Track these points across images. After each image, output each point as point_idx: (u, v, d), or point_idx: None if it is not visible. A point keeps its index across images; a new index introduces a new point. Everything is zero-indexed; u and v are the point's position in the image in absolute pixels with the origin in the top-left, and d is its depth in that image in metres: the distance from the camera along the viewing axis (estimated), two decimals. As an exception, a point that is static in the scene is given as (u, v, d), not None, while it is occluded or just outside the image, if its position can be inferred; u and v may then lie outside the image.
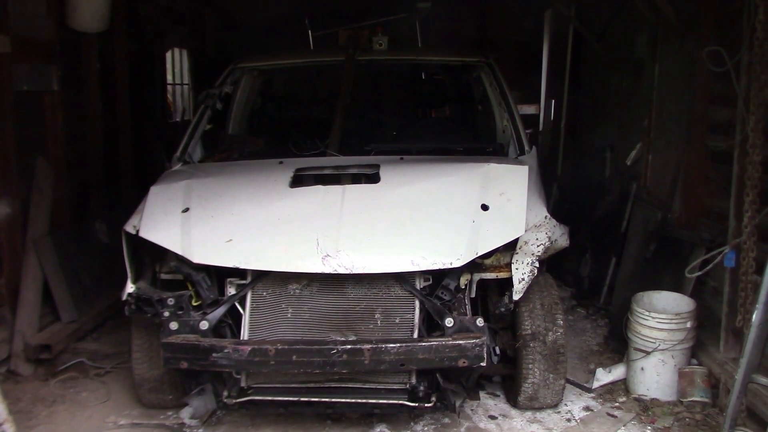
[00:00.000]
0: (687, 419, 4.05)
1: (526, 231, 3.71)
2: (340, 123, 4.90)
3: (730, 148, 4.17)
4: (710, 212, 4.82)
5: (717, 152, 4.68)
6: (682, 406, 4.18)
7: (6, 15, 4.79)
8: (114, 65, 6.99)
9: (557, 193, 7.42)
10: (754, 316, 3.07)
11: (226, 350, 3.43)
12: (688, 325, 4.25)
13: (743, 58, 3.94)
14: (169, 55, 9.65)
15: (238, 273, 3.66)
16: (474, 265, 3.64)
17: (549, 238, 3.83)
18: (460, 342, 3.44)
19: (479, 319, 3.55)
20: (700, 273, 4.29)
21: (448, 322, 3.51)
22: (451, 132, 5.56)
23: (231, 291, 3.68)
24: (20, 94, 5.07)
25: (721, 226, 4.37)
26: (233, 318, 3.66)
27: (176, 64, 10.27)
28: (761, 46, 3.63)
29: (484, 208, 3.77)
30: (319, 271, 3.46)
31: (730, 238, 4.07)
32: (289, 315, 3.61)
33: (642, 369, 4.33)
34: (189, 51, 10.40)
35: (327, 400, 3.64)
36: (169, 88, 9.94)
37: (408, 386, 3.63)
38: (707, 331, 4.44)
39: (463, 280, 3.66)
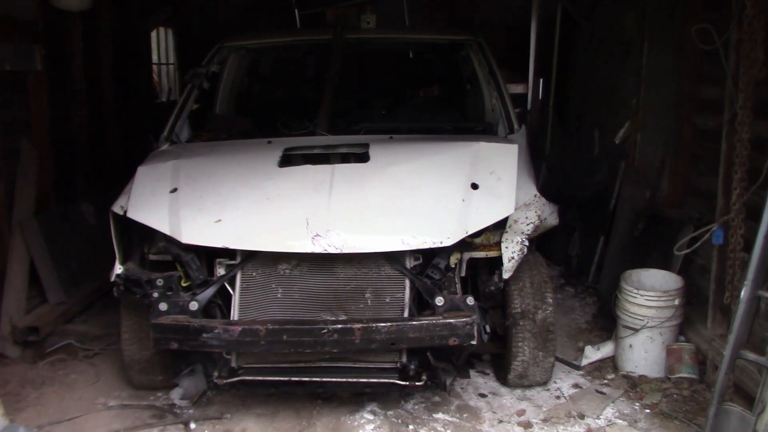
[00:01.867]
0: (675, 395, 4.09)
1: (515, 210, 3.72)
2: (328, 102, 4.86)
3: (719, 126, 4.18)
4: (698, 190, 4.84)
5: (705, 131, 4.69)
6: (670, 382, 4.22)
7: (-13, -7, 4.73)
8: (98, 45, 6.90)
9: (546, 172, 7.42)
10: (742, 293, 3.09)
11: (216, 330, 3.42)
12: (676, 302, 4.28)
13: (732, 36, 3.94)
14: (154, 34, 9.54)
15: (228, 253, 3.64)
16: (464, 244, 3.64)
17: (538, 216, 3.84)
18: (451, 321, 3.45)
19: (469, 297, 3.56)
20: (688, 251, 4.33)
21: (439, 301, 3.51)
22: (441, 111, 5.54)
23: (220, 271, 3.66)
24: (3, 75, 5.00)
25: (708, 204, 4.39)
26: (223, 298, 3.65)
27: (162, 44, 10.15)
28: (750, 24, 3.63)
29: (474, 187, 3.77)
30: (309, 251, 3.45)
31: (718, 215, 4.10)
32: (279, 295, 3.61)
33: (630, 346, 4.37)
34: (174, 30, 10.28)
35: (318, 379, 3.65)
36: (155, 67, 9.84)
37: (399, 365, 3.64)
38: (695, 309, 4.48)
39: (453, 259, 3.67)
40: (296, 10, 5.99)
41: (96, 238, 5.45)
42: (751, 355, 3.14)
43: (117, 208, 3.83)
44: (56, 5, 5.72)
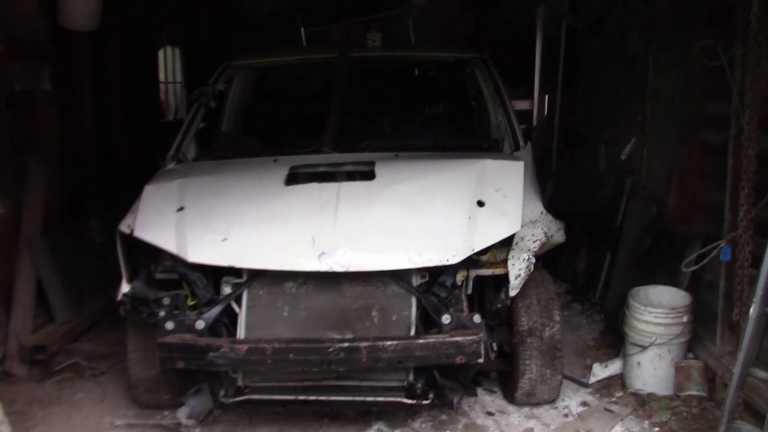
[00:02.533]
0: (684, 413, 4.06)
1: (522, 227, 3.71)
2: (334, 120, 4.88)
3: (725, 141, 4.17)
4: (705, 206, 4.82)
5: (712, 146, 4.68)
6: (679, 400, 4.19)
7: (-3, 14, 4.77)
8: (106, 64, 6.95)
9: (552, 189, 7.42)
10: (751, 310, 3.07)
11: (222, 349, 3.41)
12: (685, 319, 4.26)
13: (737, 51, 3.94)
14: (161, 53, 9.61)
15: (234, 272, 3.64)
16: (470, 262, 3.63)
17: (545, 233, 3.83)
18: (458, 339, 3.43)
19: (476, 315, 3.54)
20: (695, 267, 4.30)
21: (445, 318, 3.50)
22: (446, 128, 5.54)
23: (227, 290, 3.66)
24: (12, 94, 5.04)
25: (716, 220, 4.37)
26: (229, 317, 3.64)
27: (169, 62, 10.22)
28: (755, 40, 3.63)
29: (480, 204, 3.77)
30: (315, 269, 3.45)
31: (726, 231, 4.08)
32: (285, 313, 3.60)
33: (639, 363, 4.34)
34: (181, 49, 10.35)
35: (324, 398, 3.63)
36: (162, 86, 9.89)
37: (405, 383, 3.62)
38: (703, 325, 4.45)
39: (460, 277, 3.65)
40: (302, 29, 6.02)
41: (103, 257, 5.46)
42: (761, 373, 3.11)
43: (124, 227, 3.84)
44: (65, 25, 5.77)
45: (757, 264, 3.28)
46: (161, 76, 9.75)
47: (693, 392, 4.17)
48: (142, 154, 7.27)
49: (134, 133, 7.53)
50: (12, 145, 4.91)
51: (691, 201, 5.00)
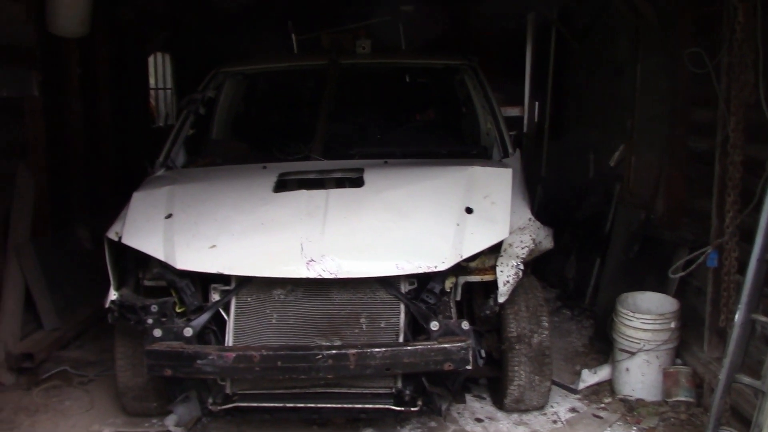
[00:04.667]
0: (672, 419, 4.07)
1: (510, 234, 3.72)
2: (323, 127, 4.88)
3: (712, 148, 4.20)
4: (693, 212, 4.86)
5: (699, 153, 4.71)
6: (667, 406, 4.20)
7: (-15, 21, 4.76)
8: (95, 70, 6.94)
9: (541, 195, 7.45)
10: (737, 316, 3.09)
11: (210, 357, 3.40)
12: (672, 325, 4.28)
13: (723, 59, 3.97)
14: (151, 59, 9.59)
15: (222, 279, 3.63)
16: (459, 268, 3.64)
17: (533, 240, 3.84)
18: (446, 345, 3.43)
19: (465, 322, 3.54)
20: (683, 273, 4.32)
21: (434, 325, 3.50)
22: (435, 135, 5.55)
23: (215, 297, 3.65)
24: (0, 100, 5.01)
25: (703, 226, 4.40)
26: (218, 324, 3.63)
27: (159, 69, 10.21)
28: (740, 48, 3.66)
29: (469, 211, 3.78)
30: (304, 276, 3.44)
31: (713, 238, 4.10)
32: (273, 321, 3.59)
33: (627, 369, 4.35)
34: (171, 55, 10.34)
35: (313, 405, 3.62)
36: (152, 92, 9.88)
37: (394, 390, 3.61)
38: (691, 331, 4.47)
39: (448, 284, 3.66)
40: (293, 35, 6.02)
41: (91, 263, 5.44)
42: (747, 379, 3.13)
43: (112, 234, 3.83)
44: (54, 32, 5.75)
45: (743, 270, 3.30)
46: (151, 82, 9.73)
47: (681, 398, 4.19)
48: (132, 160, 7.26)
49: (123, 140, 7.52)
50: (0, 151, 4.89)
51: (678, 207, 5.04)
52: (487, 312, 3.77)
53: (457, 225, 3.68)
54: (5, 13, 5.17)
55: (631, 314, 4.31)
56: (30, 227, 5.20)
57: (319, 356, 3.36)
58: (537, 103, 9.05)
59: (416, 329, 3.60)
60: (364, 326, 3.57)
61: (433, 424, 4.05)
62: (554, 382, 4.29)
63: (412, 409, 3.58)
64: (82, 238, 5.87)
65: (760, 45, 3.64)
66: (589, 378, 4.56)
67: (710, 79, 4.05)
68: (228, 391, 3.64)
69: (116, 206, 4.17)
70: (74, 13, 5.77)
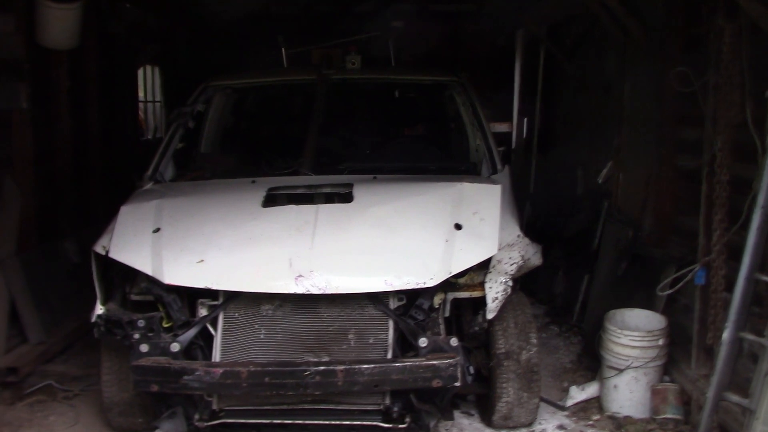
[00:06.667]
0: (660, 437, 4.07)
1: (499, 250, 3.72)
2: (313, 142, 4.89)
3: (699, 166, 4.23)
4: (680, 230, 4.87)
5: (686, 171, 4.74)
6: (655, 423, 4.20)
7: (-26, 33, 4.74)
8: (84, 83, 6.91)
9: (530, 211, 7.46)
10: (724, 334, 3.10)
11: (197, 373, 3.38)
12: (660, 342, 4.28)
13: (710, 79, 4.01)
14: (140, 72, 9.58)
15: (210, 294, 3.61)
16: (448, 285, 3.64)
17: (522, 256, 3.85)
18: (434, 362, 3.43)
19: (453, 338, 3.54)
20: (671, 291, 4.34)
21: (422, 342, 3.50)
22: (424, 151, 5.57)
23: (202, 312, 3.63)
24: (-12, 112, 5.00)
25: (691, 243, 4.42)
26: (205, 339, 3.61)
27: (148, 81, 10.19)
28: (727, 68, 3.70)
29: (458, 227, 3.78)
30: (292, 291, 3.43)
31: (700, 256, 4.12)
32: (261, 336, 3.58)
33: (615, 386, 4.35)
34: (161, 68, 10.33)
35: (300, 422, 3.60)
36: (141, 105, 9.85)
37: (382, 407, 3.60)
38: (679, 348, 4.48)
39: (437, 300, 3.65)
40: (283, 50, 6.04)
41: (78, 277, 5.40)
42: (734, 397, 3.14)
43: (99, 248, 3.81)
44: (43, 44, 5.74)
45: (730, 288, 3.32)
46: (141, 95, 9.71)
47: (669, 415, 4.18)
48: (120, 173, 7.23)
49: (112, 153, 7.49)
50: (-13, 164, 4.87)
51: (666, 225, 5.06)
52: (476, 328, 3.77)
53: (446, 241, 3.69)
54: (-6, 26, 5.16)
55: (620, 331, 4.32)
56: (16, 240, 5.16)
57: (307, 372, 3.35)
58: (526, 119, 9.10)
59: (405, 345, 3.59)
60: (352, 342, 3.56)
61: (421, 440, 4.03)
62: (542, 399, 4.29)
63: (400, 426, 3.57)
64: (69, 252, 5.83)
65: (746, 65, 3.68)
66: (578, 395, 4.56)
67: (697, 98, 4.08)
68: (215, 407, 3.62)
69: (104, 219, 4.15)
70: (64, 26, 5.77)
